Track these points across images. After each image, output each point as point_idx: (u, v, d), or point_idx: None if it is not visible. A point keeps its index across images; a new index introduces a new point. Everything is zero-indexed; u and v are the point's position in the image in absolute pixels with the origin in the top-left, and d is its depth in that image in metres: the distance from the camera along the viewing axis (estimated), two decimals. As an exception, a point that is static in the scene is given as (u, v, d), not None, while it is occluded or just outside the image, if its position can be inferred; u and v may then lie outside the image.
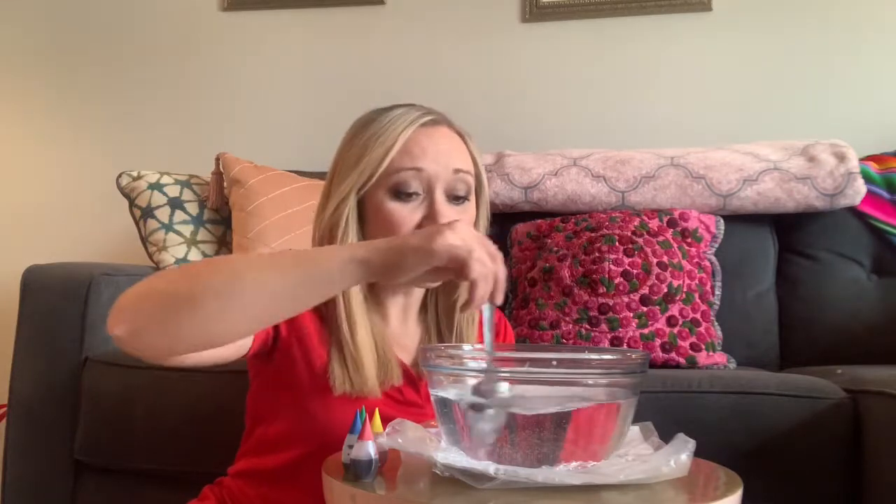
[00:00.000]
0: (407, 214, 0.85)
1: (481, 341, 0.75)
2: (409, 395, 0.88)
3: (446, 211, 0.85)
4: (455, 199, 0.87)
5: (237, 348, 0.79)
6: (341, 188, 0.86)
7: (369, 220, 0.87)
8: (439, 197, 0.85)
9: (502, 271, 0.69)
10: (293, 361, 0.84)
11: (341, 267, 0.68)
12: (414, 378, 0.88)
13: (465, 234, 0.67)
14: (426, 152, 0.85)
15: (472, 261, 0.66)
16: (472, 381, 0.64)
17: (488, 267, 0.67)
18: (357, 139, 0.87)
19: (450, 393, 0.65)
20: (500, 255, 0.69)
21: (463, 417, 0.63)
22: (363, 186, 0.86)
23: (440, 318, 0.94)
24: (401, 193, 0.85)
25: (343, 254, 0.69)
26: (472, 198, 0.90)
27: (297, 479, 0.83)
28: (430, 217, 0.84)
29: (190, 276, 0.69)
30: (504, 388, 0.62)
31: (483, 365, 0.67)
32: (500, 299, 0.69)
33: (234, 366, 1.20)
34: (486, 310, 0.70)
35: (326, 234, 0.86)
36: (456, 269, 0.67)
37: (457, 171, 0.86)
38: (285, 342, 0.85)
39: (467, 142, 0.91)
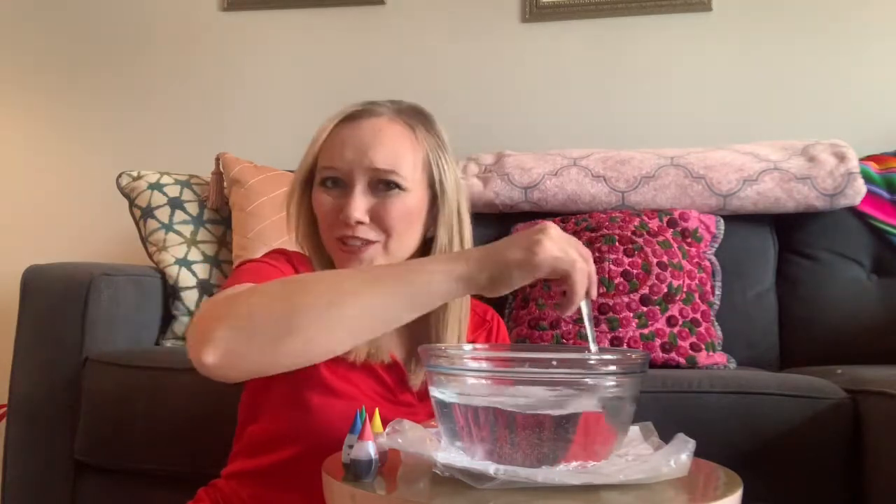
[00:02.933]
0: (329, 203, 0.89)
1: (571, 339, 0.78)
2: (401, 395, 0.88)
3: (361, 202, 0.86)
4: (385, 184, 0.87)
5: None
6: (291, 183, 0.94)
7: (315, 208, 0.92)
8: (357, 188, 0.87)
9: (594, 269, 0.73)
10: None
11: (444, 285, 0.71)
12: (404, 374, 0.89)
13: (561, 241, 0.70)
14: (343, 149, 0.88)
15: (574, 271, 0.70)
16: (471, 381, 0.64)
17: (585, 270, 0.71)
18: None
19: (446, 394, 0.65)
20: (589, 253, 0.73)
21: (462, 417, 0.63)
22: (304, 181, 0.92)
23: (432, 318, 0.93)
24: (326, 185, 0.90)
25: (443, 271, 0.71)
26: (412, 190, 0.89)
27: (289, 480, 0.83)
28: (342, 210, 0.87)
29: (288, 300, 0.69)
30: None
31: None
32: (594, 293, 0.74)
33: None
34: (584, 306, 0.73)
35: (288, 220, 0.94)
36: (559, 278, 0.71)
37: (375, 169, 0.87)
38: None
39: (414, 131, 0.90)
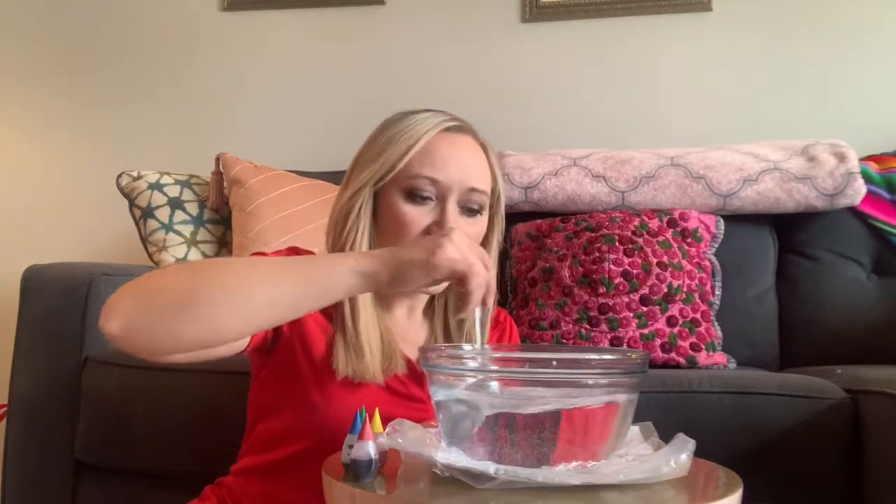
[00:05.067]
0: (417, 217, 0.86)
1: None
2: (414, 390, 0.88)
3: (456, 221, 0.86)
4: (468, 211, 0.88)
5: (230, 346, 0.79)
6: (359, 178, 0.88)
7: (381, 215, 0.88)
8: (451, 207, 0.86)
9: (493, 278, 0.75)
10: (294, 355, 0.85)
11: (345, 278, 0.71)
12: (419, 374, 0.89)
13: (461, 245, 0.72)
14: (446, 163, 0.86)
15: (471, 274, 0.71)
16: (469, 381, 0.64)
17: (484, 276, 0.73)
18: (382, 135, 0.89)
19: (440, 394, 0.65)
20: (491, 262, 0.75)
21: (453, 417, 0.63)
22: (380, 180, 0.87)
23: (450, 318, 0.94)
24: (415, 196, 0.86)
25: (347, 265, 0.72)
26: (486, 212, 0.91)
27: (298, 475, 0.83)
28: (439, 223, 0.86)
29: (190, 277, 0.69)
30: (494, 386, 0.64)
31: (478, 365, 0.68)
32: (490, 302, 0.75)
33: (234, 366, 1.20)
34: (477, 312, 0.75)
35: (340, 221, 0.88)
36: (455, 280, 0.72)
37: (472, 189, 0.87)
38: (286, 336, 0.85)
39: (489, 154, 0.92)
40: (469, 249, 0.72)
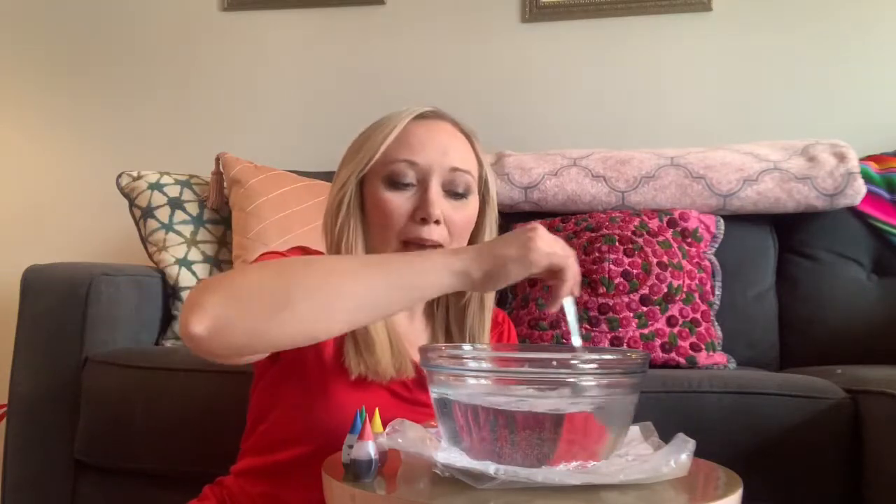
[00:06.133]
0: (400, 203, 0.86)
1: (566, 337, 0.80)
2: (419, 395, 0.87)
3: (438, 202, 0.86)
4: (453, 194, 0.88)
5: None
6: (342, 173, 0.89)
7: (367, 205, 0.89)
8: (433, 189, 0.86)
9: (578, 267, 0.77)
10: (304, 356, 0.84)
11: (439, 278, 0.71)
12: (424, 379, 0.88)
13: (549, 239, 0.74)
14: (423, 145, 0.87)
15: (567, 267, 0.74)
16: (471, 381, 0.64)
17: (578, 268, 0.75)
18: (364, 132, 0.91)
19: (440, 394, 0.65)
20: (574, 252, 0.77)
21: (463, 417, 0.63)
22: (361, 171, 0.88)
23: (451, 321, 0.94)
24: (395, 183, 0.87)
25: (440, 264, 0.72)
26: (474, 197, 0.90)
27: (301, 477, 0.82)
28: (421, 207, 0.85)
29: (280, 277, 0.69)
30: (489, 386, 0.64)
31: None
32: (577, 291, 0.77)
33: (234, 366, 1.20)
34: (568, 303, 0.77)
35: (332, 217, 0.89)
36: (550, 274, 0.74)
37: (454, 169, 0.87)
38: None
39: (472, 142, 0.91)
40: (557, 242, 0.74)
